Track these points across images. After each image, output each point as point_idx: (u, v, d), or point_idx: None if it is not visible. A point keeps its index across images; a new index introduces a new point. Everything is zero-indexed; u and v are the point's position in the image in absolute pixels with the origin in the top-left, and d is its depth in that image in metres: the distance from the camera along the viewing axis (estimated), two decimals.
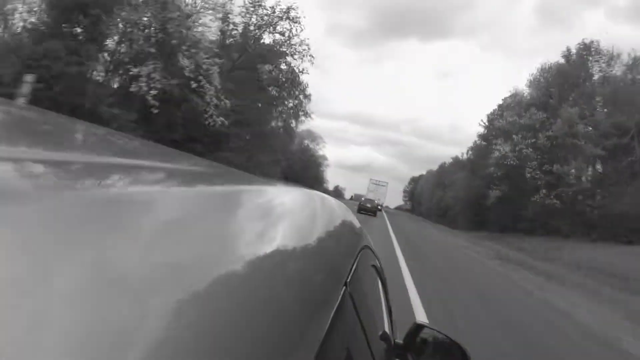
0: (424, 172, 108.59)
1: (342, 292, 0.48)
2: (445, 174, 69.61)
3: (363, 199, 36.67)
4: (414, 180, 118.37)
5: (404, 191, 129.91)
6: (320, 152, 75.47)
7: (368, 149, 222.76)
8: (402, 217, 55.04)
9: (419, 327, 1.02)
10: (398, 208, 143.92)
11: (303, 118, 37.70)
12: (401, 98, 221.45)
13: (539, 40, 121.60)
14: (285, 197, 0.57)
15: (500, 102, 35.56)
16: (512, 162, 28.05)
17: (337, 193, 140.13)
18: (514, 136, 28.33)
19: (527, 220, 27.45)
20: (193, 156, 0.89)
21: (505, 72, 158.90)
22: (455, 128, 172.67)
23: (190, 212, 0.36)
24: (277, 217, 0.46)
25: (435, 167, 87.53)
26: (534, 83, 30.60)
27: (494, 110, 35.89)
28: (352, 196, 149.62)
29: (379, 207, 41.70)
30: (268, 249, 0.37)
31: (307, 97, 39.05)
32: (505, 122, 29.84)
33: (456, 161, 46.23)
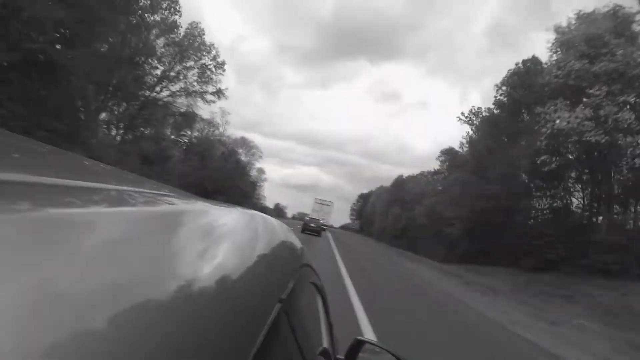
0: (374, 189, 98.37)
1: (276, 308, 0.49)
2: (403, 189, 58.20)
3: (307, 218, 33.99)
4: (363, 197, 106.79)
5: (352, 209, 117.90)
6: (257, 165, 62.33)
7: (314, 169, 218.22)
8: (352, 240, 43.28)
9: (360, 342, 1.03)
10: (344, 227, 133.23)
11: (213, 97, 24.61)
12: (349, 119, 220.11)
13: (487, 63, 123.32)
14: (227, 217, 0.59)
15: (518, 65, 23.32)
16: (593, 137, 14.51)
17: (278, 211, 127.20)
18: (591, 91, 14.73)
19: (603, 249, 14.93)
20: (134, 175, 0.90)
21: (452, 95, 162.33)
22: (402, 149, 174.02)
23: (130, 232, 0.36)
24: (218, 238, 0.48)
25: (385, 185, 79.37)
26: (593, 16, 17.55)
27: (506, 79, 23.71)
28: (294, 215, 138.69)
29: (324, 226, 39.68)
30: (207, 268, 0.38)
31: (220, 65, 26.04)
32: (566, 70, 16.06)
33: (453, 157, 32.97)
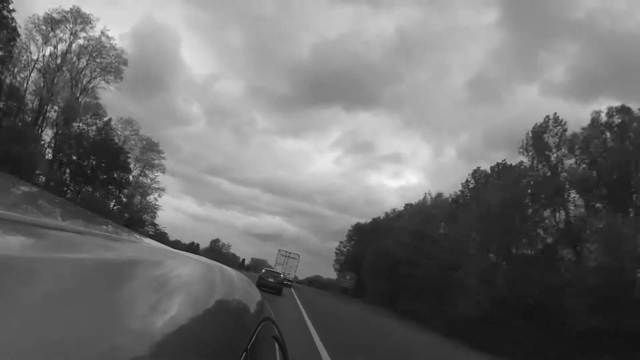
0: (388, 212, 54.64)
1: (242, 358, 0.49)
2: None
3: (264, 270, 24.13)
4: (360, 231, 61.29)
5: (337, 252, 71.23)
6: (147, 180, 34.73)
7: (279, 218, 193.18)
8: None
9: None
10: (313, 282, 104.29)
11: None
12: (318, 168, 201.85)
13: (464, 116, 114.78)
14: (183, 268, 0.57)
15: None
16: None
17: (215, 252, 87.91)
18: None
19: None
20: (87, 212, 0.84)
21: (426, 148, 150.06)
22: (370, 202, 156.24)
23: (79, 282, 0.33)
24: (173, 290, 0.46)
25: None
26: None
27: None
28: (243, 261, 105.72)
29: (289, 281, 35.83)
30: (161, 322, 0.36)
31: None
32: None
33: None
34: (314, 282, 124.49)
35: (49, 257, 0.35)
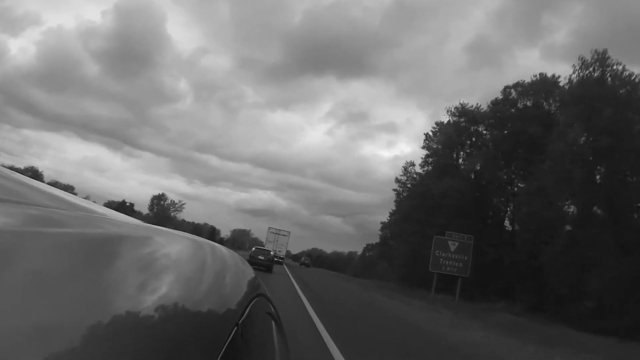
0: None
1: (232, 332, 0.48)
2: None
3: (254, 249, 25.61)
4: (464, 123, 27.80)
5: (399, 189, 35.55)
6: None
7: (270, 193, 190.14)
8: None
9: None
10: (311, 256, 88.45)
11: None
12: (310, 140, 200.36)
13: (462, 82, 77.32)
14: (171, 244, 0.57)
15: None
16: None
17: (157, 217, 52.61)
18: None
19: None
20: (67, 194, 0.83)
21: (419, 116, 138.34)
22: (362, 173, 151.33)
23: (61, 260, 0.32)
24: (162, 267, 0.45)
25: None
26: None
27: None
28: (213, 231, 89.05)
29: (280, 258, 38.13)
30: (149, 301, 0.35)
31: None
32: None
33: None
34: (315, 257, 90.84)
35: (31, 231, 0.33)
